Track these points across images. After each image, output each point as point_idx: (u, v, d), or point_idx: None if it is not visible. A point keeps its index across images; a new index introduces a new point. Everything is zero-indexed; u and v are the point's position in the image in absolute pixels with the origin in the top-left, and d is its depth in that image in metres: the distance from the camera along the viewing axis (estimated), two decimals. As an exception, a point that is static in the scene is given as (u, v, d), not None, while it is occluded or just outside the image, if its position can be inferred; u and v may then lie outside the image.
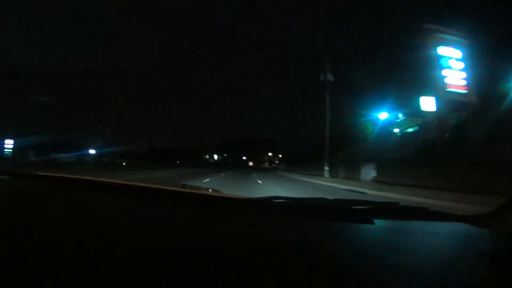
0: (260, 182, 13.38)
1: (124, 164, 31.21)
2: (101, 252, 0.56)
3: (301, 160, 35.54)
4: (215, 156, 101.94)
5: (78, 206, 0.96)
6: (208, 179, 14.40)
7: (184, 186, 1.36)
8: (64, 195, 1.14)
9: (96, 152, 45.24)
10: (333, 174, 16.87)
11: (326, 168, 17.47)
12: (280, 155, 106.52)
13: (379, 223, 0.80)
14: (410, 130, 23.35)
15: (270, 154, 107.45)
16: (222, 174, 18.11)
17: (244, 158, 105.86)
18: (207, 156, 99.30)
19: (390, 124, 24.66)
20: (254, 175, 19.90)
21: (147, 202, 1.02)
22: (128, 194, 1.12)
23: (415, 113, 21.24)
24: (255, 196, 1.03)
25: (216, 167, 45.75)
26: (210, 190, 1.35)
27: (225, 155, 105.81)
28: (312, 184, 14.12)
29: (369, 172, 11.40)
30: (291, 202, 0.98)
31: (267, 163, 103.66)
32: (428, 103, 19.72)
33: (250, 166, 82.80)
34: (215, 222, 0.82)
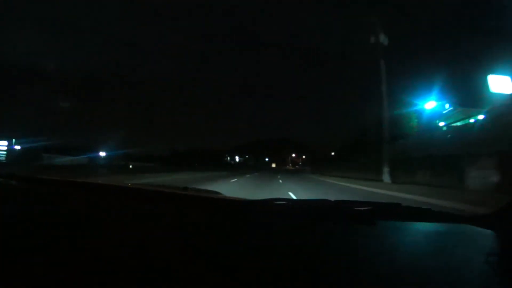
0: (292, 194, 7.70)
1: (130, 167, 28.92)
2: (102, 254, 0.57)
3: (334, 161, 31.75)
4: (237, 158, 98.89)
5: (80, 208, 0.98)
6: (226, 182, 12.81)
7: (186, 189, 1.34)
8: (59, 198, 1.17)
9: (112, 155, 43.44)
10: (393, 179, 11.52)
11: (386, 169, 11.86)
12: (304, 156, 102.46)
13: (381, 224, 0.80)
14: (458, 123, 18.02)
15: (293, 155, 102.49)
16: (234, 180, 14.04)
17: (267, 159, 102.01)
18: (228, 158, 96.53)
19: (436, 116, 19.55)
20: (280, 180, 15.64)
21: (149, 205, 1.02)
22: (128, 197, 1.15)
23: (469, 101, 16.20)
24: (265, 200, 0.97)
25: (237, 170, 42.99)
26: (212, 192, 1.36)
27: (247, 156, 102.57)
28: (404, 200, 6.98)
29: (487, 176, 6.69)
30: (293, 204, 1.00)
31: (290, 165, 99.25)
32: (500, 84, 14.28)
33: (273, 168, 79.10)
34: (217, 225, 0.81)
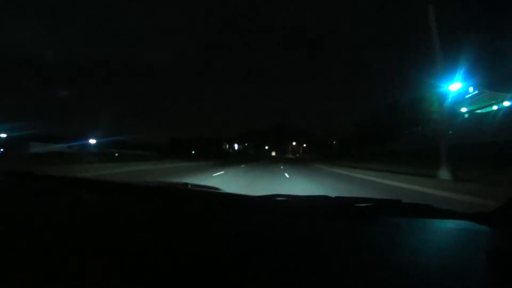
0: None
1: (116, 155, 27.11)
2: (102, 252, 0.57)
3: (348, 148, 28.63)
4: (236, 146, 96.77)
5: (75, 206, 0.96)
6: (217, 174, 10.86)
7: (186, 184, 1.35)
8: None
9: (104, 142, 41.02)
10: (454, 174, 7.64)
11: (444, 168, 7.73)
12: (304, 145, 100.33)
13: (381, 220, 0.81)
14: (482, 110, 15.59)
15: (294, 143, 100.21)
16: (218, 174, 10.90)
17: (266, 147, 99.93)
18: (227, 146, 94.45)
19: (458, 100, 17.11)
20: (286, 173, 11.81)
21: (149, 201, 1.01)
22: (128, 193, 1.13)
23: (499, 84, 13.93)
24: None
25: (234, 158, 40.96)
26: (212, 188, 1.36)
27: (246, 144, 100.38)
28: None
29: None
30: (293, 200, 0.99)
31: (291, 153, 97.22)
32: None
33: (273, 156, 77.32)
34: (217, 220, 0.81)
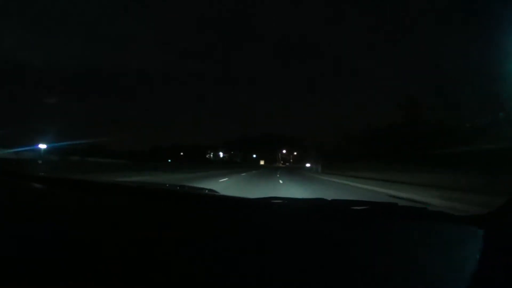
0: None
1: (40, 162, 20.28)
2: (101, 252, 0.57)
3: (356, 156, 23.50)
4: (221, 154, 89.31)
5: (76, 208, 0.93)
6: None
7: (182, 186, 1.38)
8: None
9: (62, 147, 33.03)
10: None
11: None
12: (295, 153, 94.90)
13: (378, 223, 0.80)
14: None
15: (284, 151, 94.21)
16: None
17: (254, 156, 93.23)
18: (211, 155, 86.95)
19: None
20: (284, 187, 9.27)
21: (145, 203, 0.99)
22: (125, 195, 1.10)
23: None
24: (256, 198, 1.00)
25: (217, 168, 33.58)
26: (207, 190, 1.39)
27: (232, 152, 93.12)
28: None
29: None
30: (289, 203, 0.99)
31: (282, 162, 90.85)
32: None
33: (262, 165, 70.91)
34: (214, 223, 0.80)
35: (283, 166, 70.30)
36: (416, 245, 0.68)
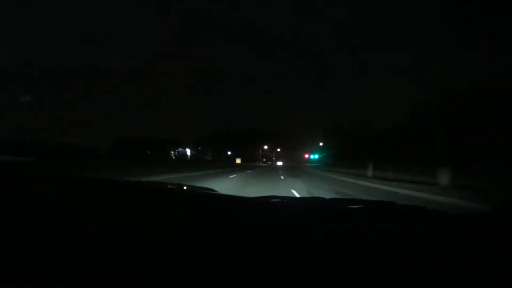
0: None
1: None
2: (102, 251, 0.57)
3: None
4: (188, 151, 73.39)
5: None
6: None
7: (181, 185, 1.33)
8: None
9: None
10: None
11: None
12: (278, 149, 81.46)
13: (375, 222, 0.80)
14: None
15: (265, 147, 79.81)
16: None
17: (229, 153, 78.36)
18: (175, 152, 70.88)
19: None
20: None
21: (143, 202, 0.95)
22: (121, 194, 1.04)
23: None
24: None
25: (177, 168, 20.69)
26: (207, 189, 1.35)
27: (200, 148, 76.91)
28: None
29: None
30: (287, 202, 0.98)
31: (264, 160, 76.76)
32: None
33: (237, 164, 56.41)
34: (212, 221, 0.79)
35: (265, 165, 56.09)
36: (414, 244, 0.67)
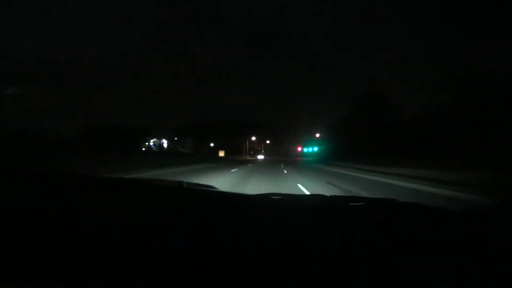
0: None
1: None
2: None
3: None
4: (165, 142, 64.57)
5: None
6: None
7: (181, 183, 1.32)
8: None
9: None
10: None
11: None
12: (268, 141, 74.14)
13: (376, 219, 0.80)
14: None
15: (253, 138, 71.70)
16: None
17: (212, 145, 70.10)
18: (149, 143, 61.97)
19: None
20: None
21: (143, 200, 0.94)
22: (120, 191, 1.04)
23: None
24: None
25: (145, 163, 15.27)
26: (208, 186, 1.34)
27: (176, 139, 67.55)
28: None
29: None
30: (288, 199, 0.98)
31: (251, 152, 68.82)
32: None
33: (220, 157, 48.67)
34: (213, 218, 0.78)
35: (252, 159, 48.54)
36: (416, 241, 0.67)
